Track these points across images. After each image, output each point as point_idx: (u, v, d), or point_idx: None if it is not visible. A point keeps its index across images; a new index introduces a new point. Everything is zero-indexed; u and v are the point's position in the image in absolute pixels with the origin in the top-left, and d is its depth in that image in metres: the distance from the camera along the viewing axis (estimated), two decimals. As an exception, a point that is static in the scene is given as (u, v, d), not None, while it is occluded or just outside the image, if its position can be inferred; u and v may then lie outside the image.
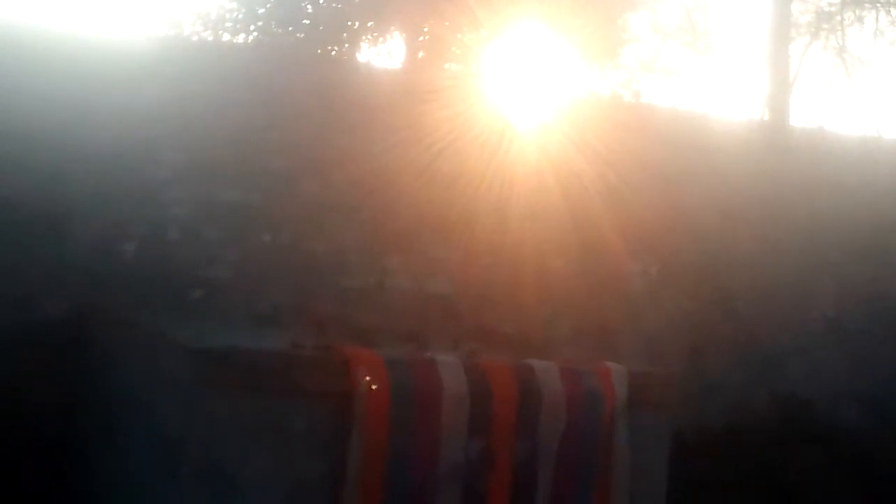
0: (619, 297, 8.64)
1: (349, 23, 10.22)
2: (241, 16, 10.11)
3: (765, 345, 9.18)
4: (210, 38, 9.82)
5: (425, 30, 10.26)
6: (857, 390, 9.40)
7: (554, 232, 8.33)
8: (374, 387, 5.09)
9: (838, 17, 16.28)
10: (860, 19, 16.38)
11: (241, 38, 9.98)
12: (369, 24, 10.29)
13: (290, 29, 9.99)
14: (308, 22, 10.02)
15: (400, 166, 7.88)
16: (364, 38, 10.47)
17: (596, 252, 8.47)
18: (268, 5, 9.97)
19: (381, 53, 10.71)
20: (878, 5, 16.19)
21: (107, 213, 7.04)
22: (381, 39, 10.54)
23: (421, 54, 10.36)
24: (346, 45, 10.20)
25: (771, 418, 8.90)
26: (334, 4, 10.11)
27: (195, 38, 9.84)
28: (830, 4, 16.14)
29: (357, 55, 10.32)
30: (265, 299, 7.42)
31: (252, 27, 10.09)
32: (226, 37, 9.96)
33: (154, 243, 7.18)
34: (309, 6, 10.11)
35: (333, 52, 10.02)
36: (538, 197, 8.20)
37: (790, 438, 8.46)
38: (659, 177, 8.75)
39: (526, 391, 5.45)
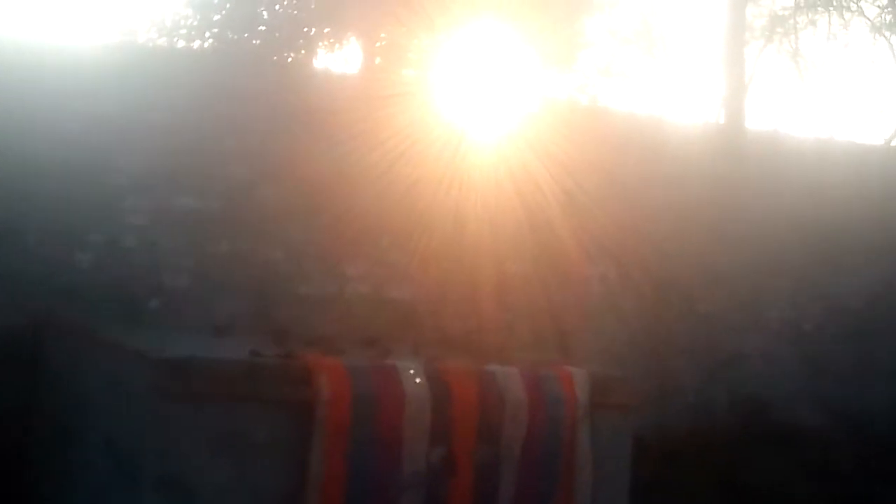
0: (579, 301, 8.67)
1: (305, 29, 10.18)
2: (196, 22, 10.03)
3: (723, 346, 9.24)
4: (165, 45, 9.75)
5: (382, 36, 10.23)
6: (815, 391, 9.48)
7: (512, 237, 8.34)
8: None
9: (792, 21, 16.40)
10: (813, 23, 16.51)
11: (196, 45, 9.90)
12: (326, 31, 10.26)
13: (246, 35, 9.93)
14: (264, 28, 9.97)
15: (358, 172, 7.86)
16: (320, 44, 10.43)
17: (554, 257, 8.49)
18: (223, 11, 9.90)
19: (338, 59, 10.69)
20: (831, 9, 16.33)
21: (63, 222, 6.97)
22: (337, 45, 10.51)
23: (378, 60, 10.33)
24: (303, 52, 10.16)
25: (730, 420, 8.95)
26: (290, 11, 10.06)
27: (150, 45, 9.76)
28: (784, 8, 16.25)
29: (314, 61, 10.27)
30: (224, 307, 7.37)
31: (207, 34, 10.01)
32: (181, 43, 9.88)
33: (111, 252, 7.12)
34: (265, 12, 10.06)
35: (290, 59, 9.97)
36: (496, 202, 8.20)
37: (750, 440, 8.52)
38: (616, 181, 8.78)
39: (487, 397, 5.44)
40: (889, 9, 16.08)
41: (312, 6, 10.00)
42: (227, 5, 9.89)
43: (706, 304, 9.16)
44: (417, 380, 5.31)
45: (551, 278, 8.50)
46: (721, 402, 9.08)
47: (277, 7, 10.11)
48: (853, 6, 16.10)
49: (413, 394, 5.26)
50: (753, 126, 10.04)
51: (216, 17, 10.00)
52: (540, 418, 5.55)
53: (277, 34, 9.97)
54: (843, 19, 16.45)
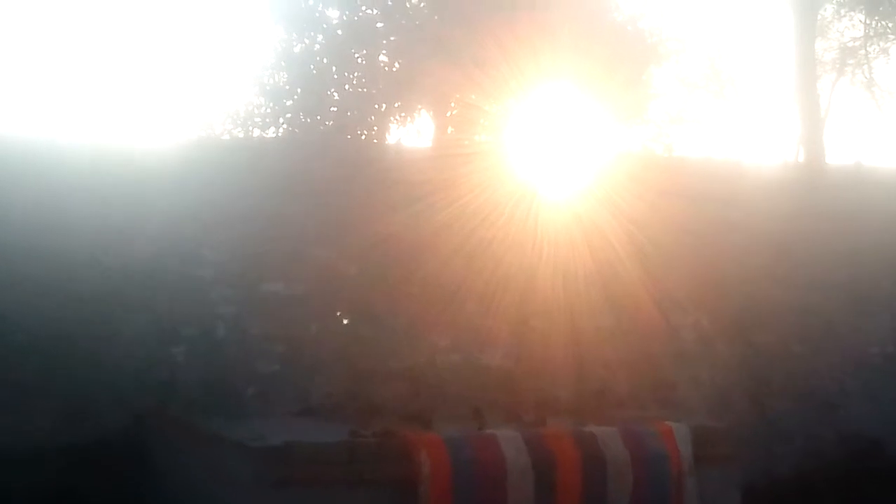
0: (673, 353, 8.56)
1: (376, 105, 10.29)
2: (269, 110, 10.19)
3: (825, 385, 9.05)
4: (241, 136, 9.92)
5: (452, 105, 10.30)
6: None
7: (600, 293, 8.29)
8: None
9: (863, 51, 16.24)
10: (885, 51, 16.32)
11: (270, 132, 10.06)
12: (396, 105, 10.35)
13: (318, 118, 10.05)
14: (335, 109, 10.08)
15: (438, 241, 7.90)
16: (392, 118, 10.53)
17: (645, 310, 8.41)
18: (294, 97, 10.04)
19: (410, 132, 10.78)
20: (902, 35, 16.13)
21: (155, 318, 7.08)
22: (408, 119, 10.60)
23: (450, 129, 10.40)
24: (375, 128, 10.25)
25: (840, 460, 8.74)
26: (360, 89, 10.17)
27: (226, 136, 9.94)
28: (854, 39, 16.11)
29: (386, 136, 10.38)
30: (318, 389, 7.40)
31: (281, 120, 10.16)
32: (256, 132, 10.04)
33: (204, 344, 7.21)
34: (335, 93, 10.18)
35: (363, 136, 10.06)
36: (579, 260, 8.17)
37: (861, 478, 8.31)
38: (701, 227, 8.70)
39: (589, 458, 5.40)
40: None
41: (381, 83, 10.11)
42: (298, 90, 10.04)
43: (804, 344, 9.00)
44: (517, 447, 5.29)
45: (644, 332, 8.41)
46: (829, 442, 8.88)
47: (347, 87, 10.22)
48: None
49: (514, 461, 5.23)
50: (834, 160, 9.90)
51: (288, 104, 10.14)
52: (644, 476, 5.49)
53: (349, 113, 10.07)
54: (916, 45, 16.25)
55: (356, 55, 10.23)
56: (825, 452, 8.81)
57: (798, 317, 9.00)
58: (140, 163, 7.23)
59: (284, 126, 10.01)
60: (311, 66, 10.15)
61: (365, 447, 5.17)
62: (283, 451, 4.94)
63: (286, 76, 10.23)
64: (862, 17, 15.87)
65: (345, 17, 10.21)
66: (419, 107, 10.55)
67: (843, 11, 15.75)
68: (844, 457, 8.77)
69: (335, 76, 10.20)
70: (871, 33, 16.10)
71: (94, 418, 6.90)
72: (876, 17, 15.85)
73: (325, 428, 5.86)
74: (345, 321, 5.18)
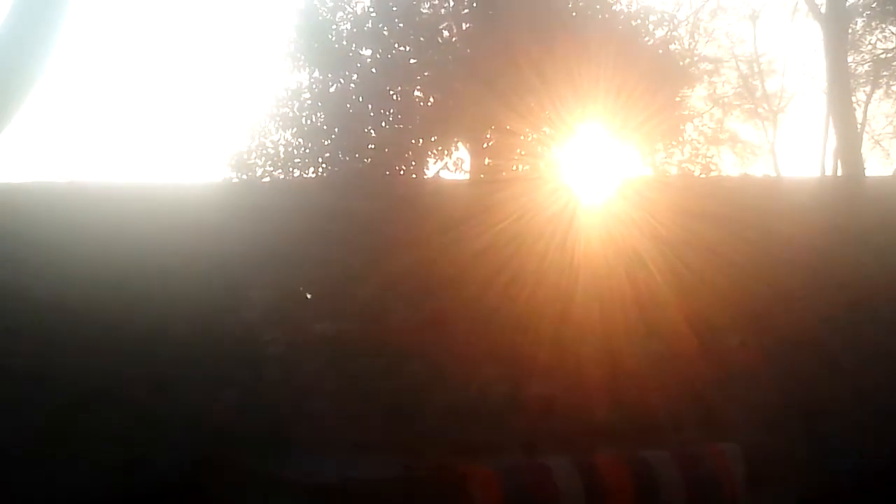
0: (722, 373, 8.52)
1: (413, 141, 10.35)
2: (307, 150, 10.25)
3: (876, 398, 8.97)
4: (281, 177, 9.98)
5: (488, 135, 10.35)
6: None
7: (643, 319, 8.28)
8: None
9: (896, 63, 16.18)
10: (919, 60, 16.24)
11: (310, 172, 10.10)
12: (433, 139, 10.40)
13: (357, 156, 10.11)
14: (373, 146, 10.14)
15: (481, 274, 7.92)
16: (429, 152, 10.58)
17: (690, 332, 8.40)
18: (332, 137, 10.12)
19: (448, 165, 10.80)
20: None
21: (206, 363, 7.14)
22: (445, 152, 10.64)
23: (487, 161, 10.45)
24: (413, 163, 10.30)
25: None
26: (396, 125, 10.25)
27: (267, 178, 10.00)
28: (886, 51, 16.04)
29: (424, 170, 10.40)
30: (369, 424, 7.43)
31: (320, 159, 10.21)
32: (296, 173, 10.08)
33: (255, 385, 7.26)
34: (372, 131, 10.25)
35: (401, 172, 10.11)
36: (622, 285, 8.18)
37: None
38: (740, 249, 8.68)
39: (641, 483, 5.42)
40: None
41: (417, 118, 10.19)
42: (336, 130, 10.12)
43: (850, 360, 8.94)
44: (569, 475, 5.31)
45: (691, 354, 8.39)
46: (883, 457, 8.79)
47: (383, 123, 10.30)
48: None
49: (567, 491, 5.27)
50: (874, 171, 9.87)
51: (326, 143, 10.21)
52: (698, 499, 5.50)
53: (386, 150, 10.14)
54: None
55: (391, 92, 10.32)
56: (880, 467, 8.73)
57: (844, 331, 8.95)
58: (185, 207, 7.32)
59: (324, 165, 10.08)
60: (348, 105, 10.24)
61: (418, 481, 5.21)
62: (338, 488, 5.00)
63: (323, 116, 10.32)
64: (894, 28, 15.81)
65: (378, 56, 10.30)
66: (455, 139, 10.60)
67: (874, 24, 15.69)
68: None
69: (371, 114, 10.28)
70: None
71: (152, 464, 6.96)
72: (908, 28, 15.79)
73: (378, 463, 5.90)
74: (308, 295, 5.24)
